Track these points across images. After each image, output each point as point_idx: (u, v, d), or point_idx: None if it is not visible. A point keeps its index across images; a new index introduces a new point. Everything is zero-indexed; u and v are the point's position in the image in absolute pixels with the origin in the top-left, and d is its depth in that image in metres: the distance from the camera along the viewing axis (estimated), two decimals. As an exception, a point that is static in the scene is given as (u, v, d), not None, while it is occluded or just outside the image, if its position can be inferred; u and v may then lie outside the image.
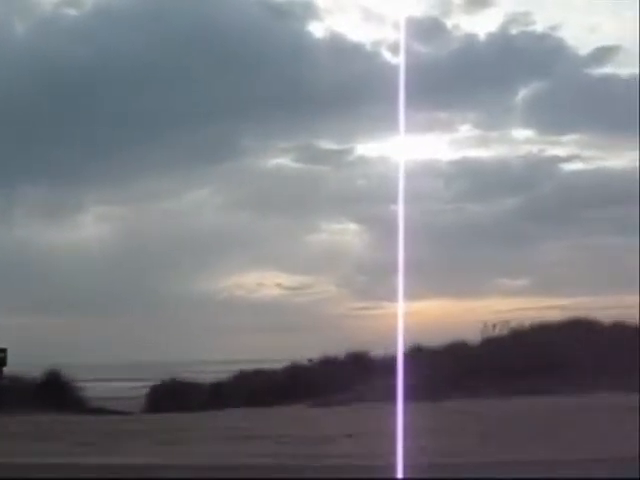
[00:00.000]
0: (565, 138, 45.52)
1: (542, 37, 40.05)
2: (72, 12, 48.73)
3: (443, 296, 33.88)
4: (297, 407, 19.01)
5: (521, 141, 44.77)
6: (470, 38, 41.08)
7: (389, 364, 13.99)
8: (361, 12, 53.38)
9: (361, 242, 44.98)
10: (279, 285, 42.98)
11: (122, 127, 44.77)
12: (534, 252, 39.53)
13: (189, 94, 43.27)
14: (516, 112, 42.76)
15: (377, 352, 21.55)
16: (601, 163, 42.89)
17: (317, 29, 49.71)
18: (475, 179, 42.64)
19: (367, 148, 56.55)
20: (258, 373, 24.15)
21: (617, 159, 46.86)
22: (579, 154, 46.27)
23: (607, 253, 36.92)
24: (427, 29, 42.28)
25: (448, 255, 35.61)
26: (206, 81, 43.03)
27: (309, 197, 46.25)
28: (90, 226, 52.30)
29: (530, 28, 43.02)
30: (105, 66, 43.19)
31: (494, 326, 22.33)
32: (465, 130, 46.70)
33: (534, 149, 45.15)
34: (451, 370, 19.25)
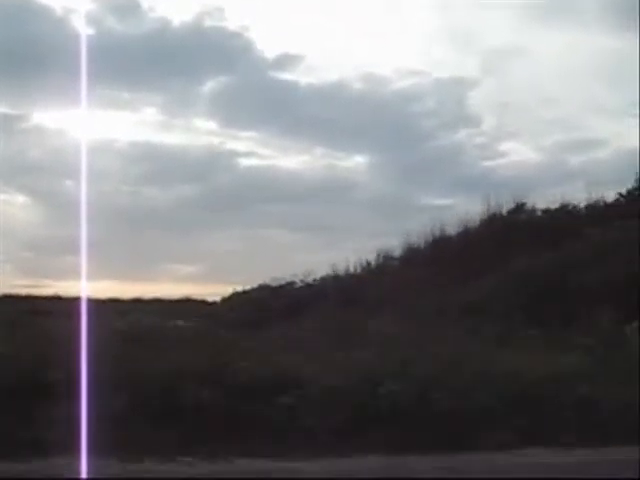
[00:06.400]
0: (244, 134, 47.49)
1: (233, 35, 41.27)
2: None
3: (113, 278, 33.65)
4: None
5: (203, 132, 45.81)
6: (165, 22, 41.26)
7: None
8: (53, -26, 49.66)
9: (29, 216, 42.46)
10: None
11: None
12: (206, 240, 40.72)
13: None
14: (201, 103, 43.80)
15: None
16: (274, 162, 44.41)
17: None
18: (155, 164, 42.51)
19: (45, 118, 54.72)
20: None
21: (288, 160, 48.92)
22: (255, 151, 48.19)
23: (272, 245, 38.70)
24: (122, 5, 42.25)
25: (122, 237, 35.42)
26: None
27: (-29, 161, 43.55)
28: None
29: (222, 24, 44.47)
30: None
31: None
32: (150, 113, 47.54)
33: (215, 141, 46.36)
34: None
